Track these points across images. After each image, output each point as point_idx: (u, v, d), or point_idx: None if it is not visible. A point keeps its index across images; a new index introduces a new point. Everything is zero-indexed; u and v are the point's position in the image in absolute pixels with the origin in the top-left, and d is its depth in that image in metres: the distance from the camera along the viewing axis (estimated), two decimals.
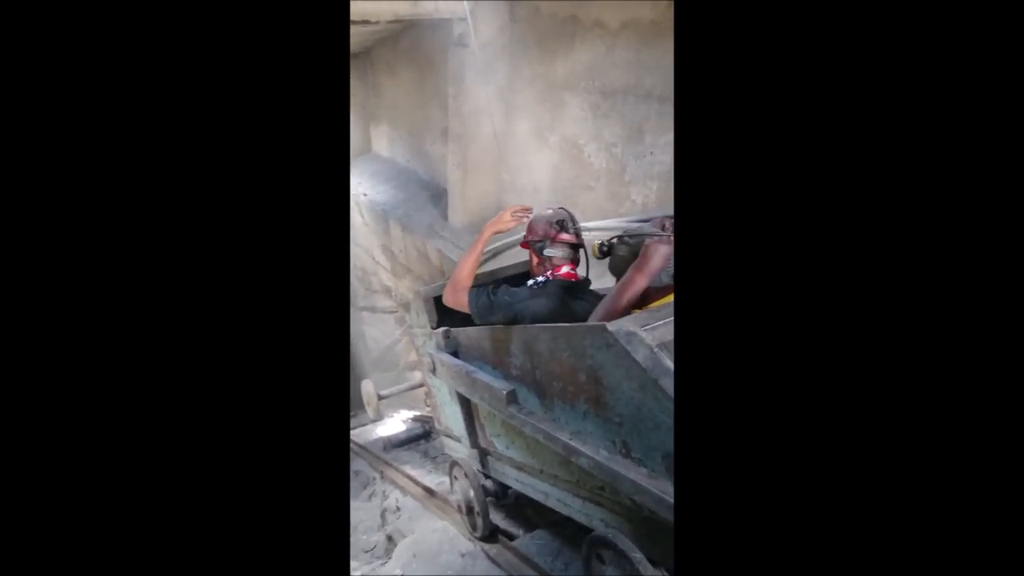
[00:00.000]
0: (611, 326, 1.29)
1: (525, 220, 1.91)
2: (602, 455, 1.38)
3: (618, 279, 1.56)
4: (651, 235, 1.52)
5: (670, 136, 3.39)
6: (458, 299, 1.85)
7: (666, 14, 3.26)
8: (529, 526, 2.32)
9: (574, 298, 1.78)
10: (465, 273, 1.86)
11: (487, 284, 1.92)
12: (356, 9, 3.52)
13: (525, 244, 1.89)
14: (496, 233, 1.92)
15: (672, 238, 1.50)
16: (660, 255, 1.47)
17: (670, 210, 2.77)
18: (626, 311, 1.47)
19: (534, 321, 1.68)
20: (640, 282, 1.48)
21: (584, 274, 1.86)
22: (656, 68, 3.37)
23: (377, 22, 4.24)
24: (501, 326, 1.74)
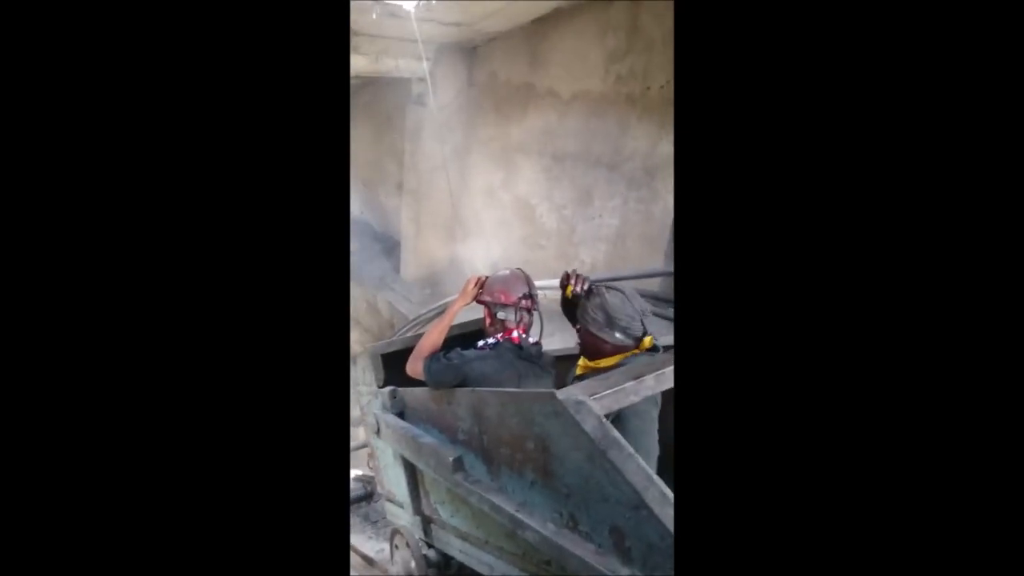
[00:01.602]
0: (560, 394, 1.28)
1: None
2: (549, 528, 1.34)
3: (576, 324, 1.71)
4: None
5: (618, 201, 3.53)
6: (415, 368, 1.82)
7: (614, 87, 3.46)
8: None
9: (524, 362, 1.77)
10: (428, 344, 1.83)
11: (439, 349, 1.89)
12: None
13: (480, 301, 1.89)
14: (464, 307, 1.90)
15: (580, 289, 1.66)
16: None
17: (616, 271, 2.85)
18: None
19: (481, 384, 1.66)
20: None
21: (537, 338, 1.86)
22: (604, 137, 3.54)
23: None
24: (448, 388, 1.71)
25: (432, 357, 1.76)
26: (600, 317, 1.57)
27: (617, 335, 1.55)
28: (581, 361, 1.73)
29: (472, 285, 1.88)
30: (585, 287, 1.67)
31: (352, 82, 4.84)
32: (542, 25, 3.70)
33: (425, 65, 3.71)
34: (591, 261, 3.68)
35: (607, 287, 1.65)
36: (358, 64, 3.78)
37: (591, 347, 1.60)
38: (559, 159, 3.81)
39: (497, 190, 4.17)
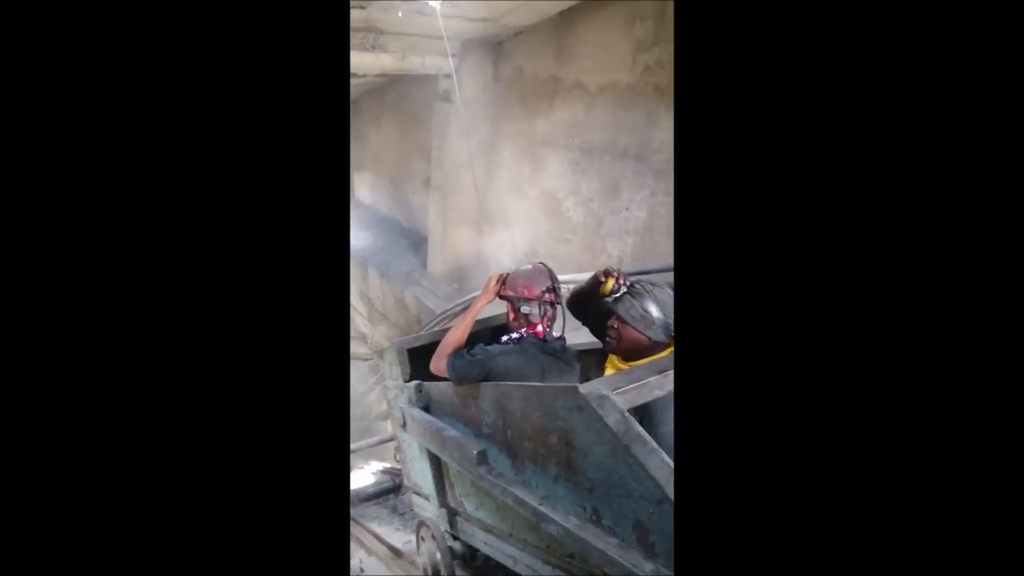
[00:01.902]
0: (583, 388, 1.27)
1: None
2: (572, 522, 1.34)
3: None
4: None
5: (646, 193, 3.49)
6: (439, 365, 1.83)
7: (642, 78, 3.41)
8: None
9: (548, 356, 1.77)
10: (451, 342, 1.83)
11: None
12: None
13: (503, 297, 1.89)
14: (487, 304, 1.90)
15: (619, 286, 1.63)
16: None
17: (645, 264, 2.82)
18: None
19: (505, 378, 1.66)
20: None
21: (561, 332, 1.85)
22: (632, 128, 3.50)
23: (364, 75, 4.36)
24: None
25: (455, 354, 1.77)
26: (651, 313, 1.53)
27: (661, 332, 1.52)
28: (612, 361, 1.71)
29: (494, 282, 1.87)
30: (627, 283, 1.64)
31: (378, 80, 4.89)
32: (568, 17, 3.67)
33: (451, 61, 3.73)
34: (618, 254, 3.64)
35: (651, 283, 1.62)
36: (384, 62, 3.81)
37: (631, 345, 1.56)
38: (586, 152, 3.78)
39: (523, 184, 4.17)
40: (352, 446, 2.89)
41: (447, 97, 4.14)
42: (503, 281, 1.87)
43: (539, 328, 1.79)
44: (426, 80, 4.38)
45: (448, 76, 3.94)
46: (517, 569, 1.76)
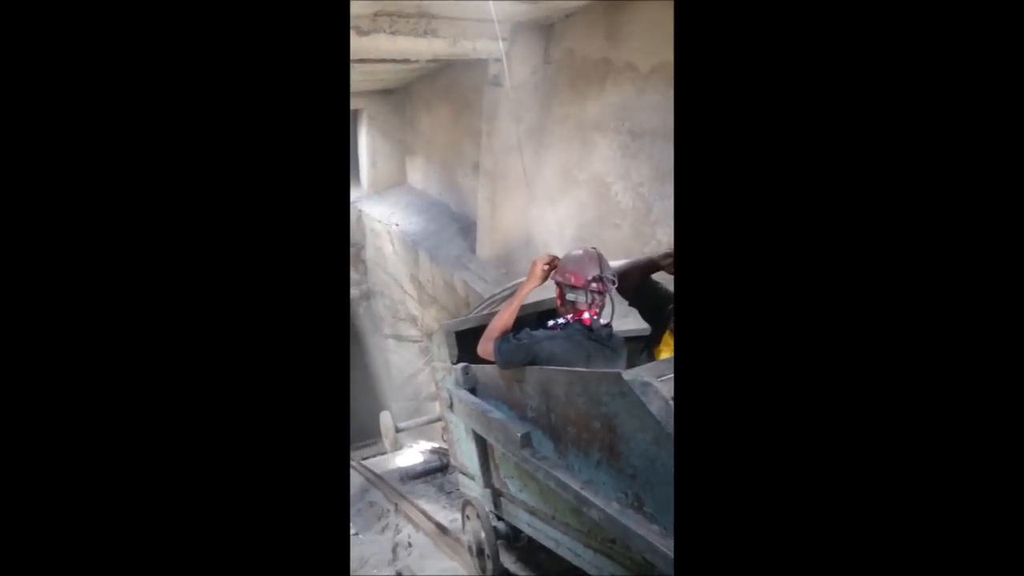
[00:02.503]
0: (626, 375, 1.27)
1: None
2: (614, 508, 1.34)
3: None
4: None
5: None
6: (486, 349, 1.86)
7: None
8: (541, 572, 2.26)
9: (594, 343, 1.76)
10: (498, 326, 1.85)
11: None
12: (398, 48, 3.67)
13: (554, 281, 1.89)
14: (534, 289, 1.91)
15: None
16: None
17: None
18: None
19: (549, 363, 1.67)
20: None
21: (608, 320, 1.83)
22: None
23: (417, 61, 4.40)
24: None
25: (502, 338, 1.79)
26: None
27: None
28: (668, 342, 1.70)
29: (540, 267, 1.87)
30: None
31: (431, 66, 4.93)
32: None
33: (501, 45, 3.71)
34: (668, 240, 3.56)
35: None
36: (436, 47, 3.83)
37: None
38: (637, 135, 3.70)
39: (572, 169, 4.12)
40: (400, 425, 2.98)
41: (497, 81, 4.13)
42: (553, 265, 1.86)
43: (585, 316, 1.79)
44: (477, 65, 4.38)
45: (498, 60, 3.92)
46: (559, 552, 1.79)
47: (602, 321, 1.81)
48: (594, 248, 1.83)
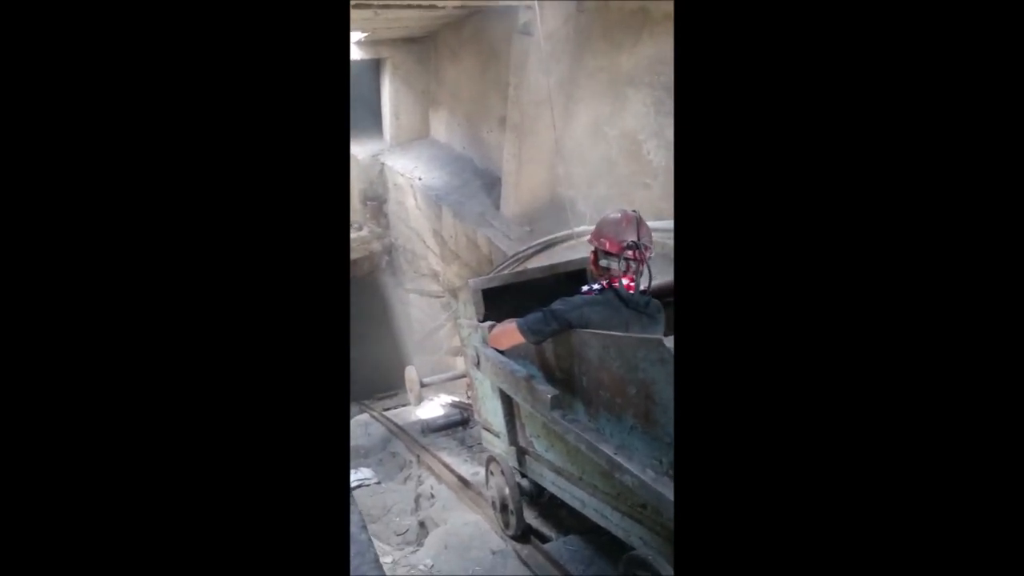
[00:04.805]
0: (667, 341, 1.23)
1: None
2: (648, 475, 1.33)
3: None
4: None
5: None
6: (510, 337, 1.89)
7: None
8: (563, 529, 2.30)
9: (631, 310, 1.72)
10: (505, 334, 1.92)
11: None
12: None
13: (590, 242, 1.84)
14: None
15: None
16: None
17: None
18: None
19: (585, 327, 1.64)
20: None
21: (645, 286, 1.78)
22: None
23: (444, 7, 4.23)
24: None
25: (526, 316, 1.77)
26: None
27: None
28: None
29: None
30: None
31: (457, 12, 4.74)
32: None
33: None
34: None
35: None
36: None
37: None
38: (671, 91, 3.54)
39: (603, 125, 3.98)
40: (425, 380, 3.01)
41: (527, 30, 3.95)
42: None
43: (625, 282, 1.73)
44: (506, 12, 4.19)
45: (529, 7, 3.74)
46: (585, 512, 1.80)
47: (641, 287, 1.76)
48: (634, 211, 1.76)
